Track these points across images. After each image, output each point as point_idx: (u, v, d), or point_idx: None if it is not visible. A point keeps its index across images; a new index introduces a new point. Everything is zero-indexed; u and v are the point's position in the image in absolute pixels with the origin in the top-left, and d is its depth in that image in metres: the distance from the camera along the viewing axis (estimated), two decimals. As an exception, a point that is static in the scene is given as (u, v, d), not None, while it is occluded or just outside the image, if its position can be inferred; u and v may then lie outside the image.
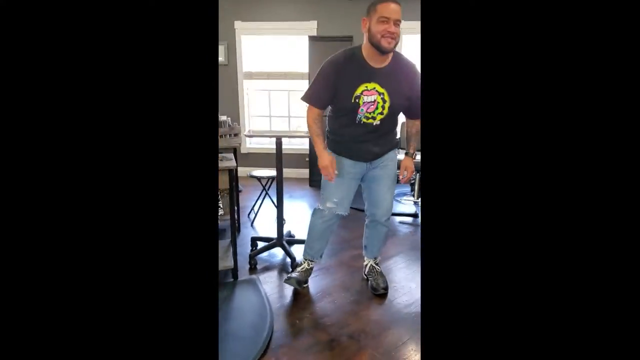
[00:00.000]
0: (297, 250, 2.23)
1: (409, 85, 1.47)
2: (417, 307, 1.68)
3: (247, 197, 3.17)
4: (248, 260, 2.04)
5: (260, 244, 2.17)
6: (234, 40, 3.83)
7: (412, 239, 2.51)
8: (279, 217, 2.09)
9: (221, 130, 2.64)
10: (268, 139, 3.66)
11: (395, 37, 1.35)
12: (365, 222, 1.79)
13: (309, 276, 1.81)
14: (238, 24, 3.80)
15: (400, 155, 1.70)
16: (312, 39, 3.51)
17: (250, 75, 3.97)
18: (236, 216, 2.36)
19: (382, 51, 1.37)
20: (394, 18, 1.32)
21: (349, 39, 3.44)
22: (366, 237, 1.83)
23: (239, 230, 2.50)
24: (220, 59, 3.81)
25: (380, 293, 1.74)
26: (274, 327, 1.51)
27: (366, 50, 1.41)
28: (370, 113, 1.47)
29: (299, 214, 2.98)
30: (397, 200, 3.33)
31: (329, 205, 1.62)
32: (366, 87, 1.42)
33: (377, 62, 1.42)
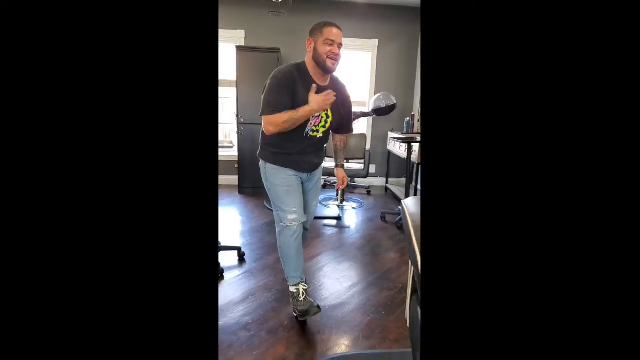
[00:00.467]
0: (224, 257, 2.29)
1: (343, 103, 1.64)
2: (333, 300, 1.85)
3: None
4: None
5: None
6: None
7: (335, 239, 2.70)
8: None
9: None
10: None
11: (338, 59, 1.50)
12: None
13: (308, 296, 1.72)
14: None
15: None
16: (239, 48, 3.58)
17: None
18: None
19: (326, 71, 1.50)
20: (337, 41, 1.47)
21: (276, 50, 3.57)
22: None
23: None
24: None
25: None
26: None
27: (311, 69, 1.52)
28: (316, 126, 1.59)
29: (228, 221, 3.01)
30: (323, 205, 3.53)
31: (291, 217, 1.61)
32: None
33: (321, 81, 1.54)
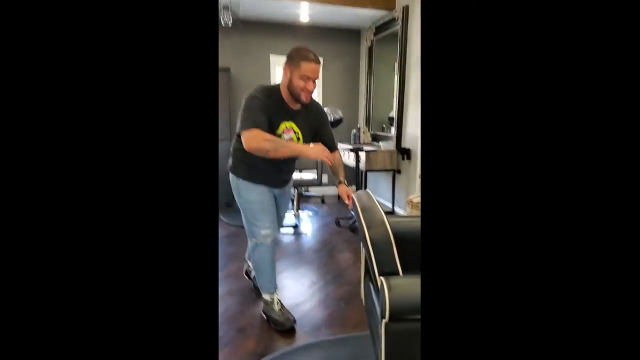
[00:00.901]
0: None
1: (318, 122, 1.75)
2: (296, 299, 1.99)
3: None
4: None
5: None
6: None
7: (293, 246, 2.85)
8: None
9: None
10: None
11: (312, 92, 1.57)
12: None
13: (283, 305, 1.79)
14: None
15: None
16: (189, 67, 3.64)
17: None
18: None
19: (300, 103, 1.61)
20: (314, 77, 1.52)
21: (227, 70, 3.69)
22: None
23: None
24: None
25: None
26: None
27: (285, 94, 1.58)
28: None
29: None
30: (279, 215, 3.65)
31: (265, 232, 1.65)
32: (286, 125, 1.60)
33: (293, 105, 1.64)
